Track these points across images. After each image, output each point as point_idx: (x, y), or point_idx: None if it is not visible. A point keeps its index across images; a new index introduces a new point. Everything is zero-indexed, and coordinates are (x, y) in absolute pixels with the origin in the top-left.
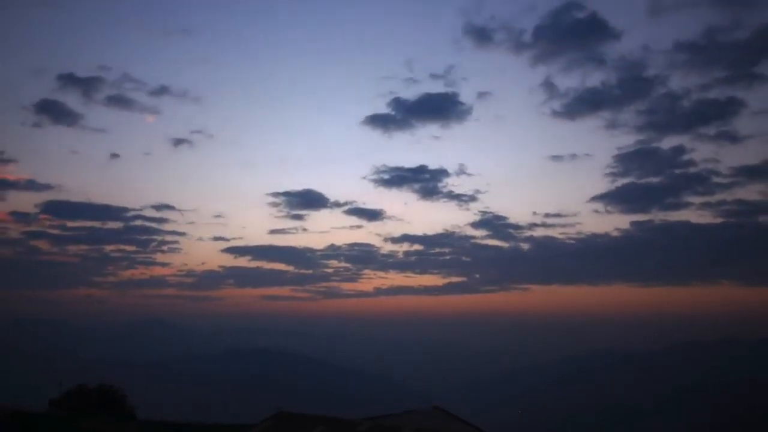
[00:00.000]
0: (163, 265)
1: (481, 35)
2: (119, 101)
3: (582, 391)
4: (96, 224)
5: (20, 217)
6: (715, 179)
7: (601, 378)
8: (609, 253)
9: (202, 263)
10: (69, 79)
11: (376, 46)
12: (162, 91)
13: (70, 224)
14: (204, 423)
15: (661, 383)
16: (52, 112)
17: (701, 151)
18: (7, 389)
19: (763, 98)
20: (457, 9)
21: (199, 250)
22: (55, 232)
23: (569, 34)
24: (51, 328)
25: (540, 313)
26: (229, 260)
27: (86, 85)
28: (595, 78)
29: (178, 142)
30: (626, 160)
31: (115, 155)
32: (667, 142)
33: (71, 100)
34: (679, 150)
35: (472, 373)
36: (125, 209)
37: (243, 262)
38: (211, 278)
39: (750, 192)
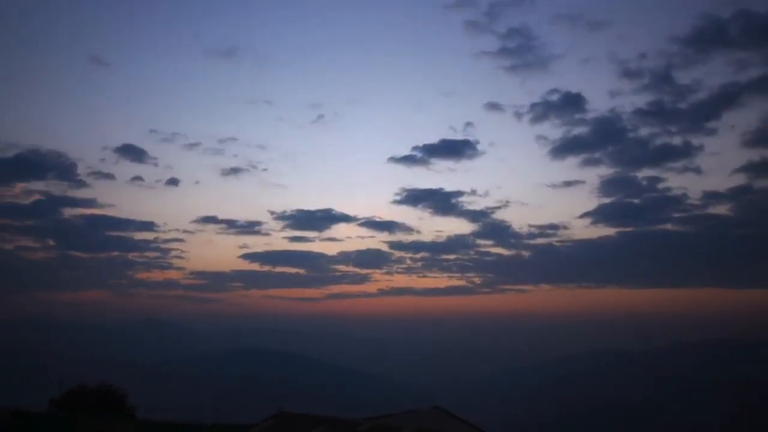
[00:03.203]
0: (178, 269)
1: (493, 107)
2: (190, 147)
3: (581, 390)
4: (129, 234)
5: (63, 225)
6: (688, 201)
7: (598, 378)
8: (600, 258)
9: (215, 267)
10: (152, 132)
11: (408, 117)
12: (229, 140)
13: (107, 234)
14: (204, 423)
15: (656, 383)
16: (130, 153)
17: (673, 180)
18: (7, 389)
19: (716, 144)
20: (474, 90)
21: (219, 255)
22: (93, 242)
23: (554, 107)
24: (53, 328)
25: (538, 314)
26: (244, 264)
27: (168, 138)
28: (576, 131)
29: (227, 172)
30: (609, 186)
31: (172, 182)
32: (642, 173)
33: (149, 145)
34: (654, 179)
35: (473, 373)
36: (165, 224)
37: (255, 266)
38: (219, 280)
39: (722, 209)
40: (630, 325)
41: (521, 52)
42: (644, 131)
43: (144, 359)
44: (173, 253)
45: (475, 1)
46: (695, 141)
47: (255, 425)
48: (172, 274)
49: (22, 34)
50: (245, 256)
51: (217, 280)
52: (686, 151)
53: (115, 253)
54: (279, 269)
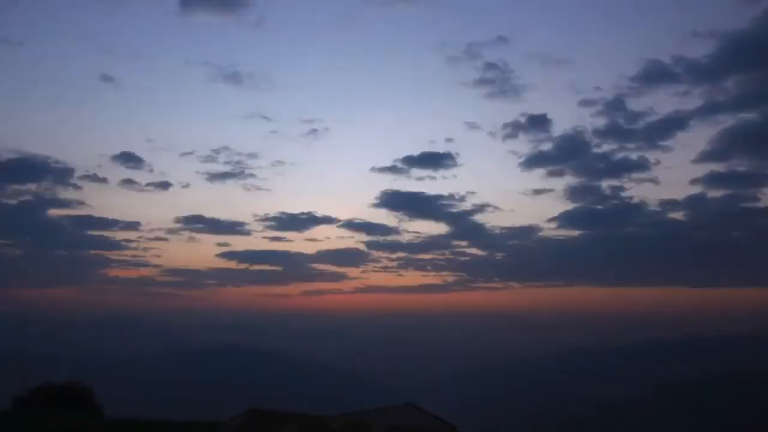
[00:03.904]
0: (155, 266)
1: (471, 126)
2: (184, 155)
3: (550, 387)
4: (112, 234)
5: (46, 224)
6: (649, 208)
7: (565, 375)
8: (568, 258)
9: (193, 265)
10: (149, 141)
11: (393, 134)
12: (223, 149)
13: (89, 233)
14: (174, 420)
15: (635, 379)
16: (126, 160)
17: (634, 190)
18: None
19: (671, 159)
20: (455, 112)
21: (198, 254)
22: (72, 240)
23: (523, 127)
24: (21, 324)
25: (509, 312)
26: (221, 263)
27: (165, 148)
28: (543, 146)
29: (216, 177)
30: (575, 193)
31: (162, 185)
32: (605, 183)
33: (146, 153)
34: (616, 188)
35: (446, 369)
36: (149, 223)
37: (232, 264)
38: (195, 278)
39: (679, 215)
40: (596, 322)
41: (497, 82)
42: (604, 147)
43: (114, 356)
44: (153, 251)
45: (455, 42)
46: (651, 157)
47: (225, 422)
48: (147, 272)
49: (43, 57)
50: (223, 255)
51: (193, 277)
52: (644, 165)
53: (94, 252)
54: (256, 267)
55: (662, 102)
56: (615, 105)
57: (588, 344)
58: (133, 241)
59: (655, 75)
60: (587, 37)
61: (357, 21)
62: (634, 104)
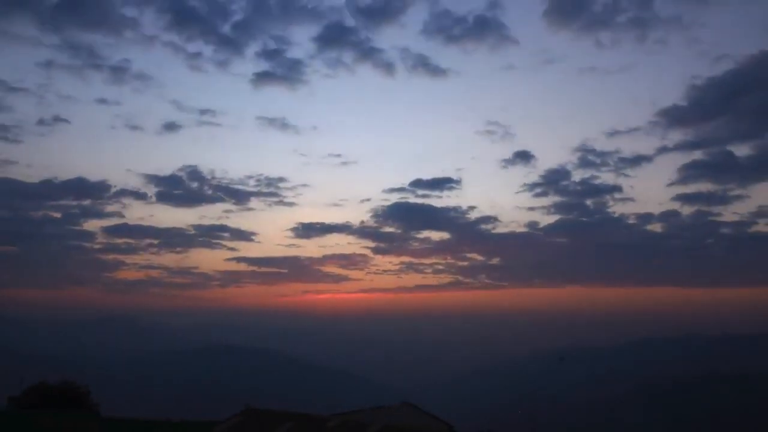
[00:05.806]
0: (164, 269)
1: (476, 160)
2: (219, 180)
3: (553, 387)
4: (135, 241)
5: (83, 234)
6: (628, 221)
7: (568, 374)
8: (558, 262)
9: (201, 267)
10: (192, 167)
11: (410, 165)
12: (256, 174)
13: (113, 240)
14: (171, 420)
15: (624, 379)
16: (169, 182)
17: (614, 207)
18: None
19: (644, 184)
20: (462, 151)
21: (212, 258)
22: (97, 246)
23: (514, 162)
24: (23, 325)
25: (507, 312)
26: (230, 266)
27: (206, 174)
28: (529, 178)
29: (245, 195)
30: (563, 208)
31: (196, 200)
32: (588, 200)
33: (186, 176)
34: (599, 204)
35: (444, 369)
36: (173, 230)
37: (241, 267)
38: (202, 279)
39: (655, 228)
40: (592, 323)
41: (498, 133)
42: (585, 174)
43: (115, 356)
44: (169, 256)
45: (464, 105)
46: (625, 183)
47: (222, 422)
48: (156, 273)
49: (128, 112)
50: (232, 259)
51: (198, 279)
52: (620, 188)
53: (111, 256)
54: (263, 269)
55: (628, 145)
56: (585, 148)
57: (581, 343)
58: (152, 245)
59: (614, 133)
60: (561, 106)
61: (386, 91)
62: (604, 146)
